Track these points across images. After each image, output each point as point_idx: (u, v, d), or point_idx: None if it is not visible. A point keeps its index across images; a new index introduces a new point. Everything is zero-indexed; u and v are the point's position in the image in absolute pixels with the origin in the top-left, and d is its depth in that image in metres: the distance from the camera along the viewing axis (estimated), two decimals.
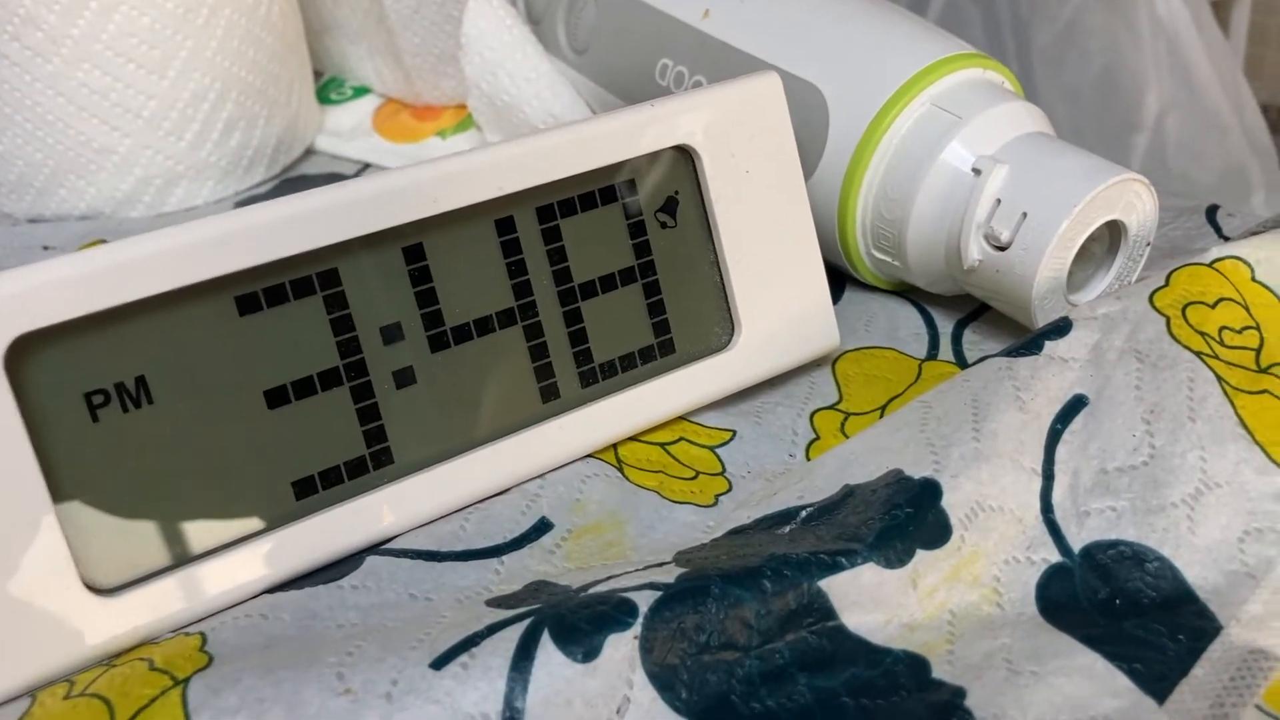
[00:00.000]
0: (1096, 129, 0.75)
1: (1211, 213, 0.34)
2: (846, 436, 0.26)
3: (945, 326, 0.29)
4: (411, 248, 0.23)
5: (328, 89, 0.45)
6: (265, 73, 0.39)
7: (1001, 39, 0.74)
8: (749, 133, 0.26)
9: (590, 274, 0.25)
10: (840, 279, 0.31)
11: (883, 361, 0.28)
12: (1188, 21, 0.76)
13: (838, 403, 0.27)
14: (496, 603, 0.20)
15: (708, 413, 0.26)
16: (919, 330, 0.29)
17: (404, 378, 0.23)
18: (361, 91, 0.44)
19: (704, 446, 0.26)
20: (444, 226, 0.23)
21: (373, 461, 0.22)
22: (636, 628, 0.19)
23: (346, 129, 0.42)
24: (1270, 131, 1.13)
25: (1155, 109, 0.75)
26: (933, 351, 0.29)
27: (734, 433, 0.26)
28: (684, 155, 0.26)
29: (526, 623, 0.19)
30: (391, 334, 0.22)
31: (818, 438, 0.26)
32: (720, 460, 0.25)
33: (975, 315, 0.30)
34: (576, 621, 0.19)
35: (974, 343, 0.29)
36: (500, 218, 0.24)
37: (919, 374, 0.28)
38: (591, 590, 0.20)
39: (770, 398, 0.27)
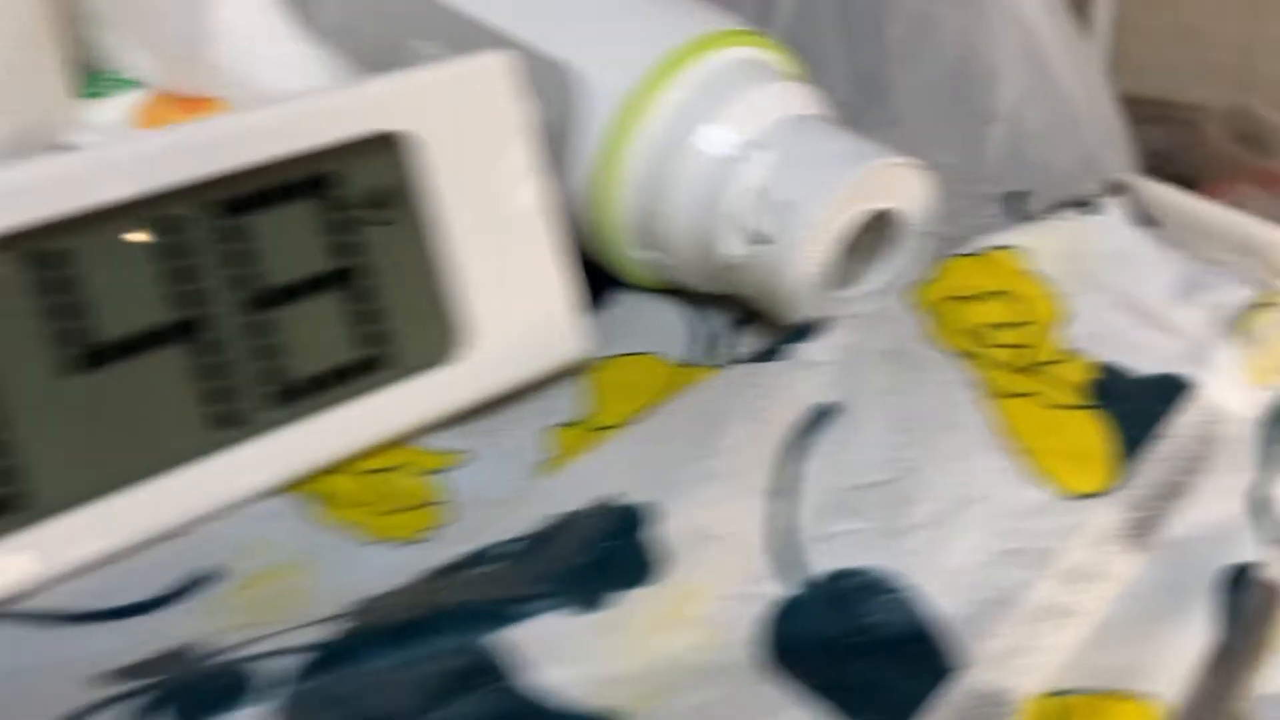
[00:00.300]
0: (953, 121, 0.74)
1: (1014, 199, 0.32)
2: None
3: (717, 329, 0.27)
4: (46, 252, 0.19)
5: (92, 82, 0.41)
6: (3, 63, 0.35)
7: (853, 30, 0.73)
8: (478, 118, 0.23)
9: (283, 279, 0.22)
10: (605, 279, 0.28)
11: (642, 369, 0.25)
12: (1040, 9, 0.75)
13: (586, 417, 0.24)
14: (122, 674, 0.17)
15: (435, 433, 0.23)
16: (688, 333, 0.27)
17: (39, 405, 0.19)
18: (127, 84, 0.40)
19: (426, 473, 0.23)
20: (90, 227, 0.20)
21: None
22: (279, 698, 0.16)
23: (106, 123, 0.39)
24: (1137, 123, 1.15)
25: (1011, 99, 0.74)
26: (701, 356, 0.26)
27: (465, 455, 0.23)
28: (401, 143, 0.23)
29: (142, 699, 0.16)
30: (21, 354, 0.19)
31: (560, 457, 0.23)
32: (444, 488, 0.22)
33: (754, 316, 0.27)
34: (202, 696, 0.16)
35: (749, 346, 0.26)
36: (163, 215, 0.20)
37: (680, 381, 0.25)
38: (236, 654, 0.17)
39: (509, 414, 0.24)
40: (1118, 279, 0.23)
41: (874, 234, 0.25)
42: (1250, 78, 1.13)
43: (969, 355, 0.22)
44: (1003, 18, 0.76)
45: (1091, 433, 0.21)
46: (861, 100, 0.75)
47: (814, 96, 0.27)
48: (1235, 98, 1.12)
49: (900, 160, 0.24)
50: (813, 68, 0.80)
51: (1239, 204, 0.90)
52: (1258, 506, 0.21)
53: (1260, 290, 0.23)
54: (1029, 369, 0.22)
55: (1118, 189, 0.24)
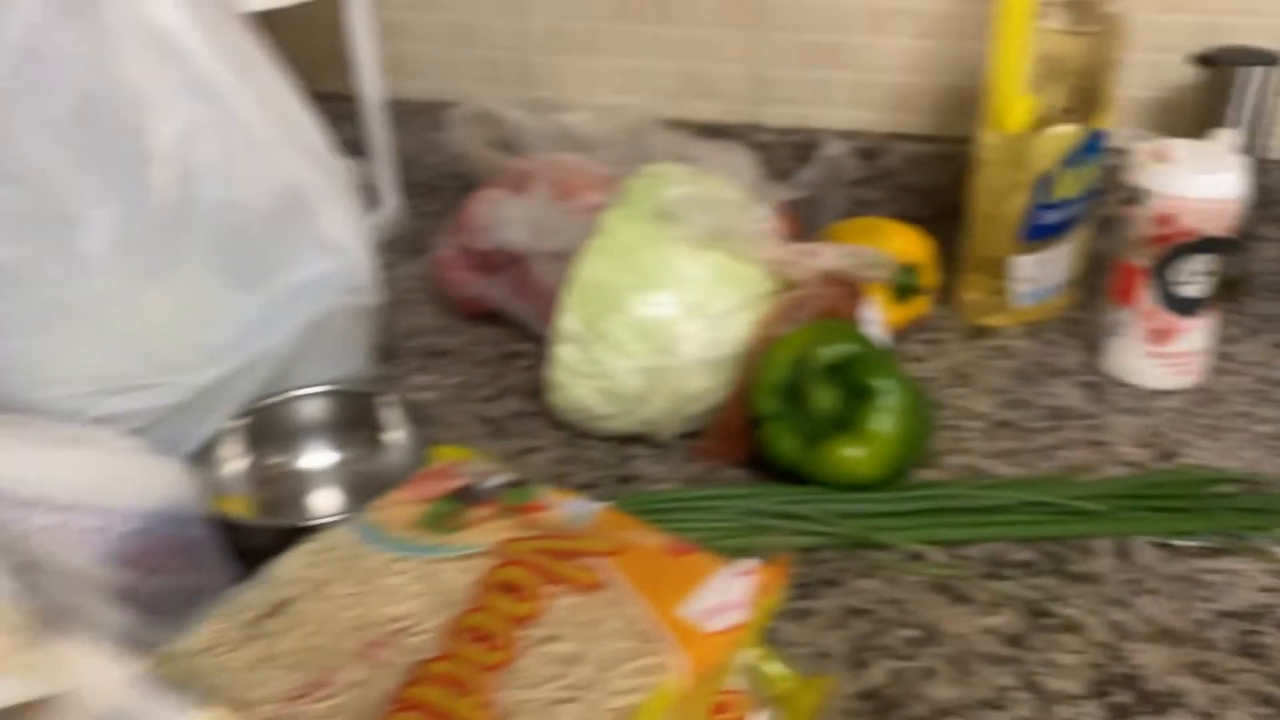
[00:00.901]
0: (99, 168, 0.60)
1: None
2: None
3: None
4: None
5: None
6: None
7: None
8: None
9: None
10: None
11: None
12: (192, 29, 0.64)
13: None
14: None
15: None
16: None
17: None
18: None
19: None
20: None
21: None
22: None
23: None
24: (426, 130, 1.07)
25: (173, 133, 0.62)
26: None
27: None
28: None
29: None
30: None
31: None
32: None
33: None
34: None
35: None
36: None
37: None
38: None
39: None
40: None
41: None
42: (528, 72, 1.11)
43: None
44: (142, 43, 0.63)
45: None
46: None
47: None
48: (522, 94, 1.09)
49: None
50: None
51: (495, 211, 0.83)
52: None
53: None
54: None
55: None
